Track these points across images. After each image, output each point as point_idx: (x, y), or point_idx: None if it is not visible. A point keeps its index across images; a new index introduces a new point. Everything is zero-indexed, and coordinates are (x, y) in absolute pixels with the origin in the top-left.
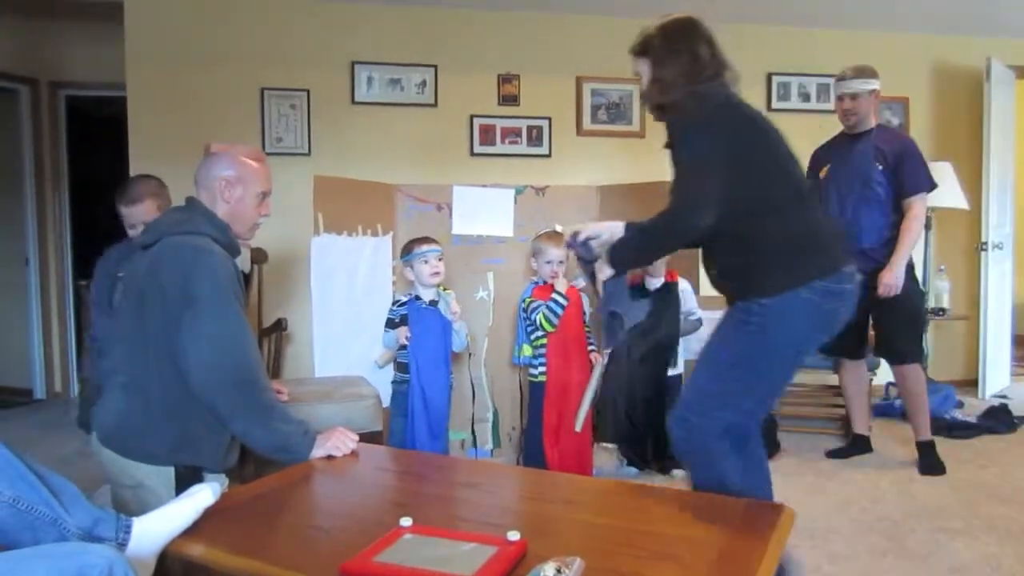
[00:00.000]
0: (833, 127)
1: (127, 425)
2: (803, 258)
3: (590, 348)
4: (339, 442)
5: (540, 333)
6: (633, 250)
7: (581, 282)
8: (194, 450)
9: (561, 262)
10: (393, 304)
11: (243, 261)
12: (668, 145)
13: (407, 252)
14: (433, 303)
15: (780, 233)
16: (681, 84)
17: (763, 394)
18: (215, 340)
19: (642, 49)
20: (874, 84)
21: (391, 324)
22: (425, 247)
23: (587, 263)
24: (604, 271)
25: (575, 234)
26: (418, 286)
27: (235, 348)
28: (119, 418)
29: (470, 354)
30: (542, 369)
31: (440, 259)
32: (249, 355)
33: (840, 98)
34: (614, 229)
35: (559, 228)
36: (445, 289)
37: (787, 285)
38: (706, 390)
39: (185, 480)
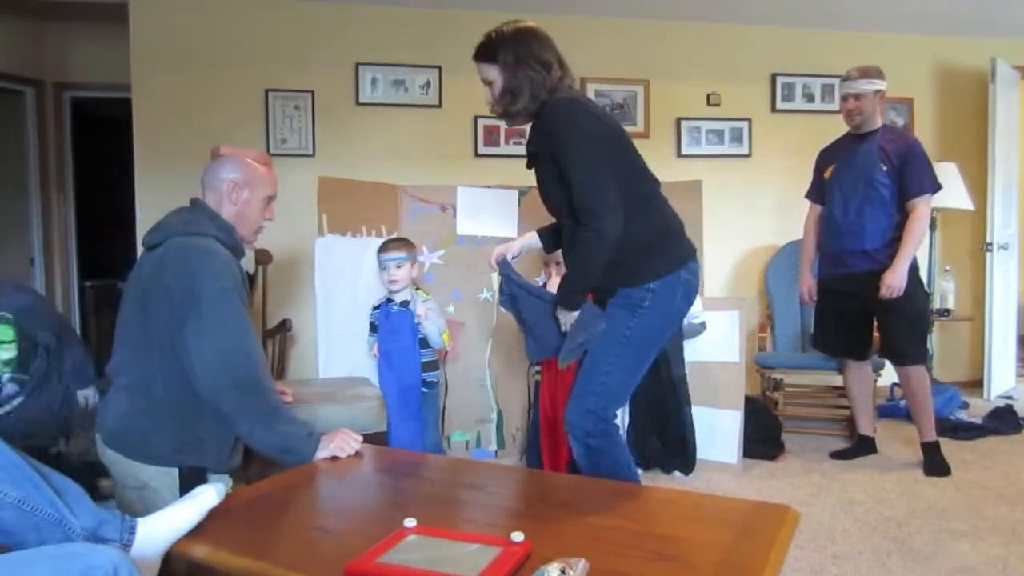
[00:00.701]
0: (837, 128)
1: (131, 426)
2: (678, 243)
3: None
4: (343, 443)
5: None
6: (579, 285)
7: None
8: (198, 451)
9: (558, 263)
10: (372, 308)
11: (247, 262)
12: (530, 155)
13: (377, 254)
14: (405, 304)
15: (656, 224)
16: (540, 90)
17: (644, 370)
18: (220, 342)
19: (490, 55)
20: (879, 84)
21: (372, 328)
22: (384, 255)
23: (516, 286)
24: (567, 317)
25: (502, 260)
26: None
27: (239, 350)
28: (123, 419)
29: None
30: (539, 368)
31: (399, 266)
32: (253, 357)
33: (845, 98)
34: (528, 240)
35: None
36: (418, 289)
37: (671, 269)
38: (607, 387)
39: (189, 481)
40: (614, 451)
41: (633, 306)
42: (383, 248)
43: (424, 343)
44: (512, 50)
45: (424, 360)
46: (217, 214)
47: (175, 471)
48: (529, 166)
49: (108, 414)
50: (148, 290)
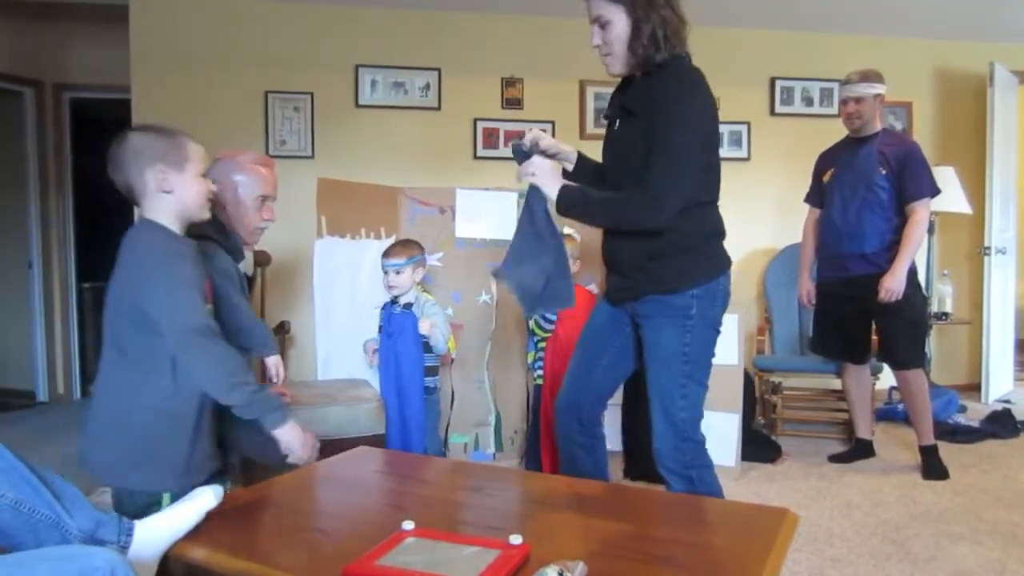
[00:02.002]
0: (836, 131)
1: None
2: (720, 247)
3: None
4: (308, 448)
5: (540, 336)
6: (591, 207)
7: (595, 288)
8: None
9: (577, 259)
10: (379, 308)
11: (246, 264)
12: (627, 111)
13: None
14: (408, 306)
15: (710, 227)
16: (672, 36)
17: (708, 380)
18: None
19: None
20: (879, 88)
21: (380, 329)
22: (384, 261)
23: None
24: (545, 182)
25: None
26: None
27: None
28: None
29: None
30: (541, 372)
31: (398, 272)
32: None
33: (844, 102)
34: (565, 149)
35: (567, 230)
36: (424, 291)
37: (712, 275)
38: (687, 410)
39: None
40: (711, 479)
41: (681, 319)
42: (385, 252)
43: (427, 347)
44: None
45: (426, 365)
46: (214, 216)
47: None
48: (610, 119)
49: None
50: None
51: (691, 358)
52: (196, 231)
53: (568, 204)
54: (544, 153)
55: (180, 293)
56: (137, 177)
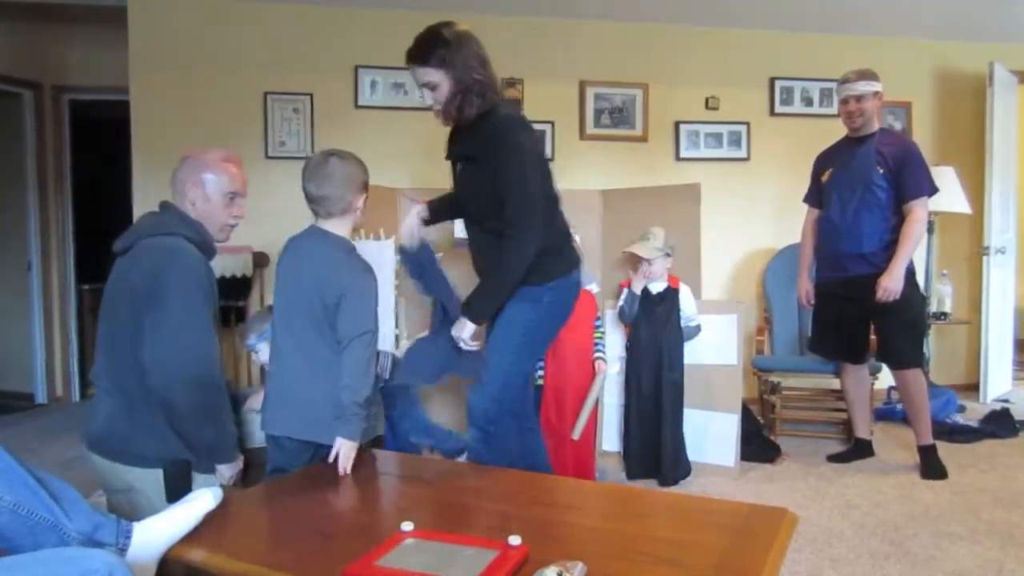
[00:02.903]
0: (836, 131)
1: (112, 429)
2: (570, 246)
3: (596, 355)
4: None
5: None
6: (502, 293)
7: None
8: (179, 443)
9: None
10: None
11: (245, 265)
12: (465, 156)
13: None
14: None
15: (559, 228)
16: (487, 92)
17: (531, 366)
18: (180, 337)
19: (435, 58)
20: (877, 86)
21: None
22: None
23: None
24: (467, 330)
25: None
26: None
27: (198, 347)
28: (105, 423)
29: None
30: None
31: None
32: (210, 356)
33: (844, 100)
34: (410, 223)
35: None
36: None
37: (564, 272)
38: (509, 375)
39: (174, 480)
40: (505, 434)
41: (534, 300)
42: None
43: None
44: (459, 52)
45: None
46: (185, 214)
47: (160, 472)
48: (454, 164)
49: (92, 419)
50: (117, 292)
51: (532, 333)
52: (164, 229)
53: (484, 312)
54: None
55: (370, 302)
56: (342, 196)
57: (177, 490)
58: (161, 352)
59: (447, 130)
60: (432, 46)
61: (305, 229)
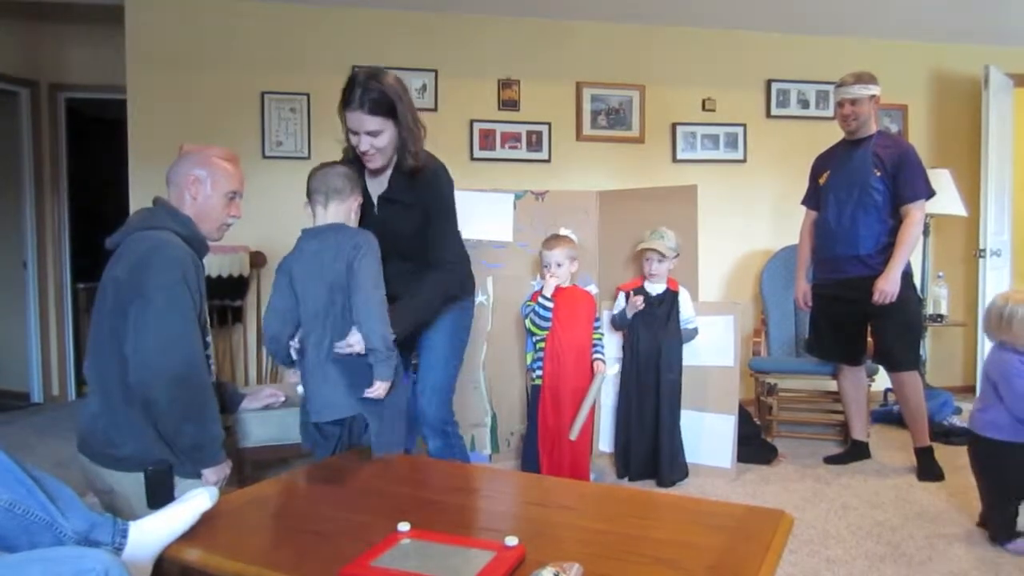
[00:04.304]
0: (832, 134)
1: (95, 428)
2: (471, 270)
3: (595, 356)
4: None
5: (539, 336)
6: (419, 313)
7: (594, 288)
8: (159, 446)
9: (559, 264)
10: None
11: (241, 264)
12: (396, 201)
13: None
14: None
15: (465, 256)
16: (420, 144)
17: None
18: (162, 333)
19: (388, 110)
20: (874, 89)
21: None
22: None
23: None
24: (357, 342)
25: None
26: None
27: (181, 343)
28: (89, 422)
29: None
30: (539, 372)
31: None
32: (193, 352)
33: (840, 103)
34: None
35: (563, 231)
36: None
37: (473, 288)
38: (454, 379)
39: (155, 484)
40: (460, 434)
41: (462, 310)
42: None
43: None
44: (405, 104)
45: None
46: (176, 209)
47: (140, 475)
48: (380, 207)
49: (79, 418)
50: (104, 288)
51: (463, 337)
52: (153, 224)
53: (402, 328)
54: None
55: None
56: (348, 194)
57: (158, 495)
58: (142, 347)
59: (447, 130)
60: (384, 98)
61: (306, 232)
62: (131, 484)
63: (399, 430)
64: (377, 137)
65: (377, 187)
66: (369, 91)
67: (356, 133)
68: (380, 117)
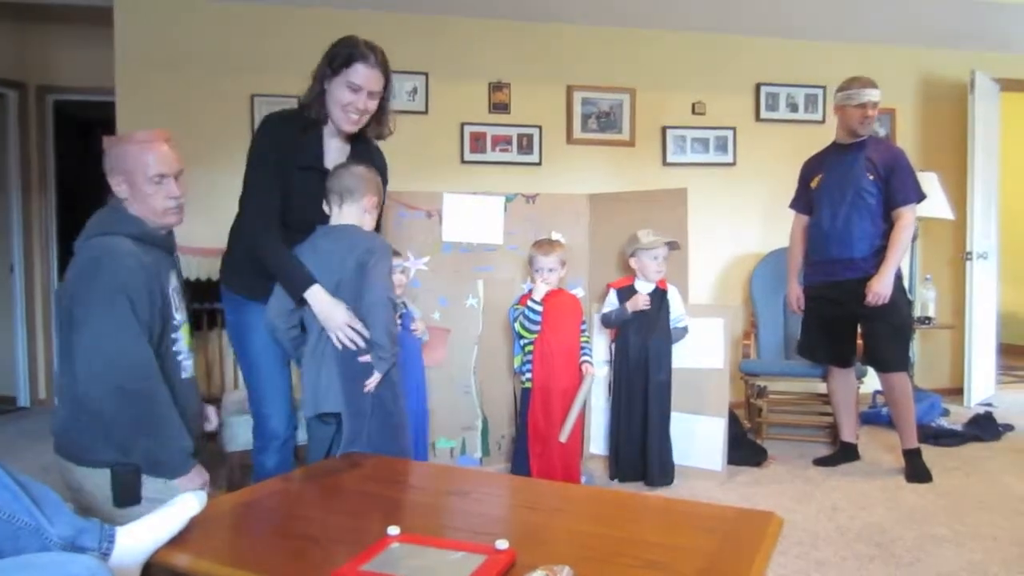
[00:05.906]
0: (820, 138)
1: (66, 430)
2: None
3: (583, 359)
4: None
5: (527, 339)
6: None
7: (582, 291)
8: (124, 449)
9: (551, 270)
10: None
11: (212, 267)
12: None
13: None
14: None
15: None
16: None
17: None
18: (102, 346)
19: (389, 77)
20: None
21: None
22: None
23: None
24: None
25: None
26: None
27: (122, 355)
28: (59, 425)
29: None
30: (528, 375)
31: (401, 272)
32: (139, 363)
33: (863, 106)
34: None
35: (555, 236)
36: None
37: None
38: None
39: (123, 483)
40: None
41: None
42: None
43: None
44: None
45: None
46: (124, 209)
47: (107, 472)
48: (298, 172)
49: (51, 421)
50: (59, 297)
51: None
52: (105, 229)
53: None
54: None
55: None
56: (361, 195)
57: (125, 494)
58: (83, 359)
59: (437, 133)
60: (387, 63)
61: (321, 230)
62: (96, 480)
63: (388, 436)
64: (373, 99)
65: (337, 155)
66: (380, 52)
67: (358, 90)
68: (386, 80)
